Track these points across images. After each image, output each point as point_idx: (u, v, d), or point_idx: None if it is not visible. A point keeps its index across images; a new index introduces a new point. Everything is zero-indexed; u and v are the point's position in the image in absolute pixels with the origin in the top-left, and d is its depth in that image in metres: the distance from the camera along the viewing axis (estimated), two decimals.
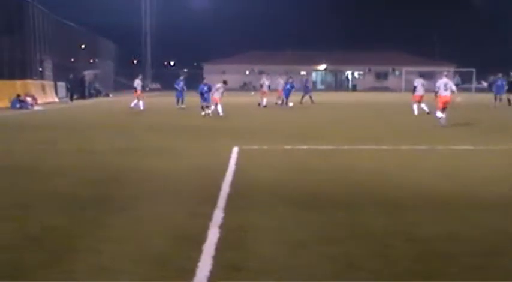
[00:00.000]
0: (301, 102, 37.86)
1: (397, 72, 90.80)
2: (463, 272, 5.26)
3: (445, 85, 21.49)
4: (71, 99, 44.89)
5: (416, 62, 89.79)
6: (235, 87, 77.55)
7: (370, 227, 6.74)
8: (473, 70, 79.92)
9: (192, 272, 5.15)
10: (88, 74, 53.72)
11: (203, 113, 26.15)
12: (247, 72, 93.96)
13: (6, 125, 22.73)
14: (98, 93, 55.46)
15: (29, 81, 40.17)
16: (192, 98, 32.06)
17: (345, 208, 7.70)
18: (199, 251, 5.72)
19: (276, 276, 5.13)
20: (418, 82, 28.17)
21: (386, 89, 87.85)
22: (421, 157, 13.20)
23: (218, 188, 8.87)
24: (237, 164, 11.59)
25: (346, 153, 13.71)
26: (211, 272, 5.16)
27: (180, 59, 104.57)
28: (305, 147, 14.71)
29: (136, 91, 32.19)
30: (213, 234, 6.33)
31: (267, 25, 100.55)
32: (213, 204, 7.73)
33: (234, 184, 9.33)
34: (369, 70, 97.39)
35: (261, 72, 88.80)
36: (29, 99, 34.58)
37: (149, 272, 5.24)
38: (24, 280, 5.08)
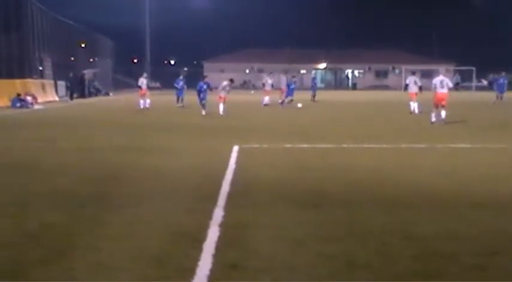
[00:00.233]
0: (313, 100, 38.05)
1: (397, 71, 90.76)
2: (462, 271, 5.27)
3: (441, 82, 21.52)
4: (71, 98, 44.88)
5: (416, 60, 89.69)
6: (235, 86, 77.31)
7: (369, 226, 6.76)
8: (473, 68, 79.91)
9: (192, 271, 5.16)
10: (88, 73, 53.69)
11: (203, 113, 26.02)
12: (247, 71, 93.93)
13: (6, 124, 22.78)
14: (97, 92, 55.43)
15: (29, 80, 40.15)
16: (193, 97, 32.02)
17: (344, 206, 7.72)
18: (199, 250, 5.74)
19: (276, 275, 5.15)
20: (411, 80, 28.29)
21: (386, 88, 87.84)
22: (420, 155, 13.23)
23: (218, 186, 8.89)
24: (237, 162, 11.61)
25: (346, 152, 13.73)
26: (212, 271, 5.17)
27: (179, 57, 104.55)
28: (305, 145, 14.74)
29: (141, 89, 31.97)
30: (213, 233, 6.35)
31: (266, 23, 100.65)
32: (213, 203, 7.75)
33: (234, 182, 9.35)
34: (369, 68, 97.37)
35: (260, 71, 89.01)
36: (29, 98, 34.57)
37: (149, 270, 5.25)
38: (23, 277, 5.09)
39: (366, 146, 14.84)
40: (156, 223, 6.85)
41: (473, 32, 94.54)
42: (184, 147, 14.30)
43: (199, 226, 6.61)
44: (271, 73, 39.58)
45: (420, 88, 27.68)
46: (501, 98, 38.23)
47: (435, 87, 21.45)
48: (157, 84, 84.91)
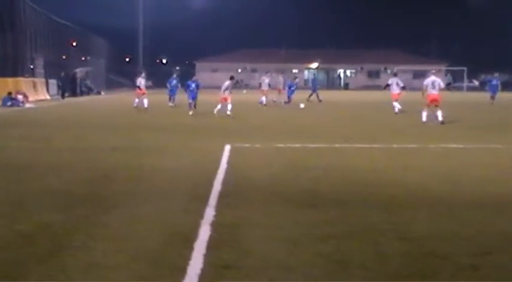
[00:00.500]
0: (319, 100, 38.02)
1: (389, 71, 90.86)
2: (457, 271, 5.26)
3: (433, 83, 21.59)
4: (63, 96, 44.73)
5: (408, 60, 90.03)
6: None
7: (364, 225, 6.75)
8: (465, 69, 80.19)
9: (183, 270, 5.14)
10: (80, 72, 53.51)
11: (190, 112, 25.86)
12: (239, 70, 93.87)
13: None
14: (89, 91, 55.23)
15: (20, 78, 39.98)
16: (185, 96, 31.94)
17: (338, 206, 7.71)
18: (190, 249, 5.71)
19: (269, 275, 5.11)
20: (393, 81, 28.66)
21: (378, 88, 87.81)
22: (413, 155, 13.24)
23: (210, 186, 8.87)
24: (229, 162, 11.58)
25: (338, 152, 13.73)
26: (203, 270, 5.14)
27: (172, 57, 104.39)
28: (297, 145, 14.73)
29: (140, 89, 31.60)
30: (204, 232, 6.32)
31: (259, 23, 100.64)
32: (205, 202, 7.73)
33: (225, 182, 9.32)
34: (361, 69, 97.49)
35: (253, 70, 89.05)
36: (20, 96, 34.42)
37: (141, 269, 5.21)
38: (17, 277, 5.05)
39: (358, 145, 14.85)
40: (148, 223, 6.81)
41: (466, 32, 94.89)
42: (176, 147, 14.27)
43: (191, 225, 6.58)
44: (267, 72, 39.54)
45: (403, 88, 28.33)
46: (493, 98, 38.36)
47: (426, 88, 21.51)
48: (150, 83, 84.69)
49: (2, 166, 11.23)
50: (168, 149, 13.93)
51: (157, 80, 70.85)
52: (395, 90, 28.03)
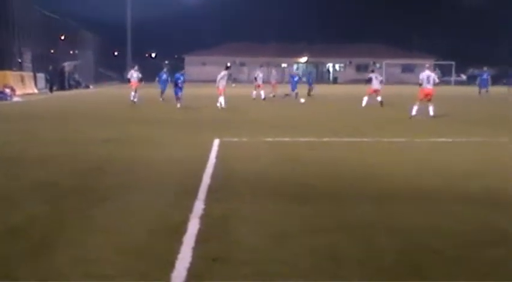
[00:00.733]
0: (309, 94, 38.10)
1: (377, 65, 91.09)
2: (448, 264, 5.29)
3: (428, 77, 21.70)
4: (51, 90, 44.53)
5: (397, 54, 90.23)
6: (215, 79, 77.33)
7: (353, 219, 6.75)
8: (453, 63, 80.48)
9: (172, 264, 5.13)
10: (68, 65, 53.26)
11: (178, 105, 25.87)
12: (228, 64, 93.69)
13: None
14: (77, 85, 54.97)
15: (8, 72, 39.74)
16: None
17: (328, 200, 7.71)
18: (179, 243, 5.70)
19: (258, 268, 5.10)
20: (373, 76, 29.23)
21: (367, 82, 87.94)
22: (402, 150, 13.25)
23: (199, 180, 8.86)
24: (218, 156, 11.56)
25: (327, 145, 13.73)
26: (191, 264, 5.14)
27: (161, 50, 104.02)
28: (286, 139, 14.73)
29: (130, 82, 31.11)
30: (193, 226, 6.31)
31: (248, 17, 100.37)
32: (194, 196, 7.71)
33: (214, 176, 9.31)
34: (350, 63, 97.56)
35: (242, 64, 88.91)
36: (7, 90, 34.23)
37: (129, 263, 5.20)
38: (6, 270, 5.02)
39: (347, 139, 14.87)
40: (137, 216, 6.80)
41: (454, 25, 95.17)
42: (165, 141, 14.23)
43: (180, 219, 6.57)
44: (261, 66, 39.44)
45: (381, 81, 29.15)
46: (486, 91, 38.57)
47: (422, 82, 21.63)
48: (140, 76, 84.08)
49: None
50: (157, 142, 13.89)
51: (146, 74, 70.52)
52: (375, 85, 28.60)
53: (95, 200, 7.62)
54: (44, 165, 10.46)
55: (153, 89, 35.86)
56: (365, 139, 14.96)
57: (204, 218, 6.63)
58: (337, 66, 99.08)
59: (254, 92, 35.35)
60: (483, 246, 5.80)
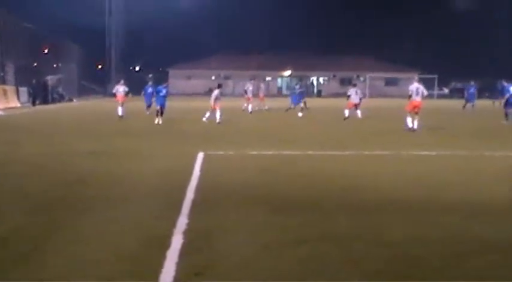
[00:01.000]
0: (305, 107, 37.93)
1: (361, 79, 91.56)
2: (432, 274, 5.32)
3: (417, 90, 21.86)
4: (33, 104, 44.27)
5: (381, 68, 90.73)
6: (200, 92, 77.55)
7: (337, 230, 6.77)
8: (436, 76, 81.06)
9: (155, 278, 5.10)
10: (51, 79, 52.98)
11: (156, 121, 25.33)
12: (213, 78, 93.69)
13: None
14: (61, 98, 54.68)
15: None
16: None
17: (311, 212, 7.71)
18: (163, 257, 5.67)
19: (241, 281, 5.09)
20: (352, 91, 29.75)
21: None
22: (385, 162, 13.30)
23: (183, 193, 8.82)
24: (202, 169, 11.53)
25: (311, 158, 13.76)
26: (175, 278, 5.11)
27: (145, 64, 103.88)
28: (270, 152, 14.72)
29: (115, 96, 30.80)
30: (177, 240, 6.28)
31: (233, 30, 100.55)
32: (178, 210, 7.68)
33: (198, 189, 9.28)
34: (334, 76, 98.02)
35: (227, 78, 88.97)
36: None
37: (113, 276, 5.17)
38: None
39: (331, 152, 14.90)
40: (121, 229, 6.77)
41: (436, 39, 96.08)
42: (149, 154, 14.17)
43: (163, 233, 6.54)
44: (251, 80, 39.42)
45: (360, 99, 29.71)
46: (472, 106, 38.80)
47: (412, 94, 21.78)
48: (127, 90, 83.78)
49: None
50: (142, 155, 13.85)
51: (132, 87, 70.34)
52: (354, 99, 29.12)
53: (78, 212, 7.58)
54: (29, 177, 10.46)
55: (139, 102, 35.73)
56: (348, 152, 14.98)
57: (188, 232, 6.60)
58: (321, 80, 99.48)
59: (245, 105, 35.60)
60: (466, 256, 5.83)
